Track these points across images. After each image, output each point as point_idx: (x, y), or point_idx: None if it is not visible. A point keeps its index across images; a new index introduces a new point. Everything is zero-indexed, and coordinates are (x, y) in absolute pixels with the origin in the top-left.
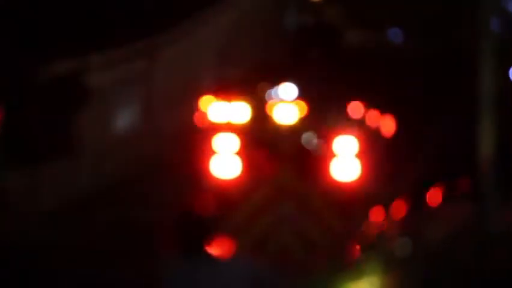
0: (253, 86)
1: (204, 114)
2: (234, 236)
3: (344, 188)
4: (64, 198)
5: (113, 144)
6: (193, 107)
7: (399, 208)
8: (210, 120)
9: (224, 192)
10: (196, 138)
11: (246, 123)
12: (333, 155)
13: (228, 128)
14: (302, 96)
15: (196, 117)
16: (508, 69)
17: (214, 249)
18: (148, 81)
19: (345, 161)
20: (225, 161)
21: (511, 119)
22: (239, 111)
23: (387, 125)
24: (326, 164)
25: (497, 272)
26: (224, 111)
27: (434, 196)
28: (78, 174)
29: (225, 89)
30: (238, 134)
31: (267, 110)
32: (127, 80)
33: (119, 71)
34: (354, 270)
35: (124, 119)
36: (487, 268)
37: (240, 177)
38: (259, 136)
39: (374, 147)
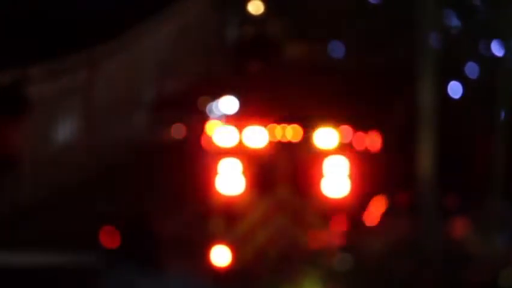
0: (194, 99)
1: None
2: (236, 246)
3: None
4: (4, 209)
5: (54, 155)
6: (133, 118)
7: (340, 222)
8: (215, 143)
9: (227, 208)
10: (142, 152)
11: (249, 146)
12: (322, 174)
13: (231, 150)
14: (244, 110)
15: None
16: (447, 83)
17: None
18: (89, 92)
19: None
20: (228, 180)
21: (450, 133)
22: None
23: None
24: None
25: (436, 286)
26: (229, 135)
27: (374, 210)
28: (19, 185)
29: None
30: (241, 156)
31: (268, 133)
32: (68, 91)
33: (60, 81)
34: (294, 284)
35: (65, 130)
36: (425, 283)
37: (242, 194)
38: (259, 157)
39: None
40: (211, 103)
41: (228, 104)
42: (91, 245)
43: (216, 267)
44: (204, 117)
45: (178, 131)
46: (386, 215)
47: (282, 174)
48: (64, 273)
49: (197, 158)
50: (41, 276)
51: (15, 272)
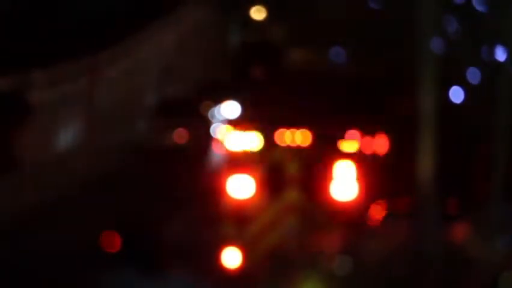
0: (197, 104)
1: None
2: (246, 248)
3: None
4: (5, 215)
5: (56, 160)
6: (135, 123)
7: (347, 225)
8: (223, 147)
9: (237, 211)
10: (144, 157)
11: (258, 151)
12: (332, 178)
13: (243, 155)
14: (245, 115)
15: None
16: (448, 89)
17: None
18: (90, 99)
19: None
20: (241, 183)
21: (450, 138)
22: (252, 140)
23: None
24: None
25: None
26: (239, 139)
27: (374, 214)
28: (19, 192)
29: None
30: (252, 161)
31: (276, 138)
32: (69, 98)
33: (61, 88)
34: (300, 286)
35: (66, 136)
36: (426, 286)
37: (252, 197)
38: (269, 162)
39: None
40: (213, 108)
41: (231, 108)
42: (92, 249)
43: (226, 268)
44: (207, 122)
45: (181, 135)
46: (389, 218)
47: (291, 178)
48: (64, 275)
49: (202, 162)
50: (42, 278)
51: (17, 273)
